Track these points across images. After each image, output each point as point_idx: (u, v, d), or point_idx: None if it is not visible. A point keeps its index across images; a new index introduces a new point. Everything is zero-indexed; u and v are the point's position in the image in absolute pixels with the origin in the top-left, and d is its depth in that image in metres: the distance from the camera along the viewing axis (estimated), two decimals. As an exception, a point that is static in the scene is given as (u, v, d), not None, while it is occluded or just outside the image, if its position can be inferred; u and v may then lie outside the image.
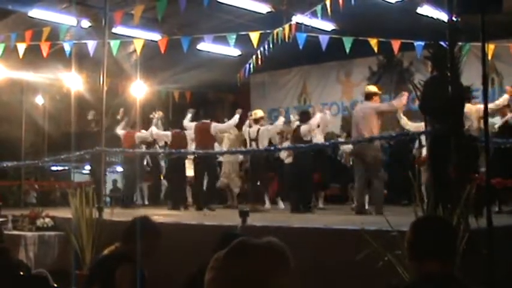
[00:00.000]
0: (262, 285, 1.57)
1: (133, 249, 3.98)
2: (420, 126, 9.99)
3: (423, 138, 9.79)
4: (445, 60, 5.97)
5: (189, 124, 11.98)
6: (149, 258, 4.05)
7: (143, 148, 13.12)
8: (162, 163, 13.85)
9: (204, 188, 11.60)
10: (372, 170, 9.31)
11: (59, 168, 16.87)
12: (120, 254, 4.04)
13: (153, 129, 12.58)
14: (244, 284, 1.56)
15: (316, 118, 10.58)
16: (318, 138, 10.84)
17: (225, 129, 12.16)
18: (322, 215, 9.58)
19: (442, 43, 6.02)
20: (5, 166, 11.93)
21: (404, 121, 9.98)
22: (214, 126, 11.60)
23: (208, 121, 11.66)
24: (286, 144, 11.53)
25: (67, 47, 11.52)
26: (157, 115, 12.72)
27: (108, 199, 13.73)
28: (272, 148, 11.16)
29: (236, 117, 11.70)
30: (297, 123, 10.83)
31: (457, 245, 3.01)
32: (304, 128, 10.40)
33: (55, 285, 5.08)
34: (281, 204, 11.83)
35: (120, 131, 12.69)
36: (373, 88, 10.11)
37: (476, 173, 6.44)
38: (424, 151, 10.21)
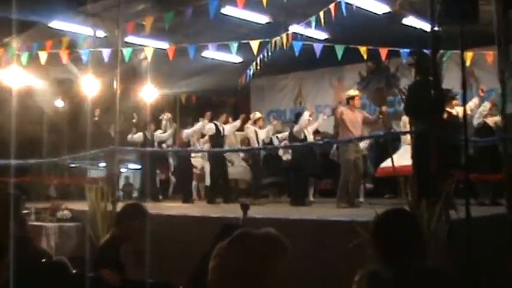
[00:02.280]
0: (262, 271, 1.59)
1: (126, 230, 4.12)
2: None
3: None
4: (427, 66, 6.00)
5: (191, 129, 12.07)
6: (140, 237, 4.15)
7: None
8: (171, 160, 13.89)
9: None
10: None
11: (77, 165, 16.85)
12: (116, 236, 4.18)
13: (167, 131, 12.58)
14: (246, 270, 1.58)
15: (304, 117, 10.66)
16: (309, 138, 10.92)
17: (228, 129, 12.26)
18: (316, 208, 9.62)
19: (425, 51, 6.04)
20: (28, 163, 11.94)
21: (403, 122, 9.95)
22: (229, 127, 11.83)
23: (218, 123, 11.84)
24: (285, 143, 11.64)
25: (84, 55, 11.53)
26: (166, 117, 12.74)
27: (121, 193, 13.76)
28: (269, 146, 11.25)
29: (238, 121, 11.89)
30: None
31: (420, 237, 2.86)
32: (295, 128, 10.57)
33: (73, 270, 5.10)
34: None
35: (134, 138, 12.63)
36: (352, 92, 10.16)
37: (458, 169, 6.44)
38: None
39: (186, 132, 12.19)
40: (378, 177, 10.57)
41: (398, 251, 2.66)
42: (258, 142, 11.61)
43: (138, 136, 13.04)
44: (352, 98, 9.83)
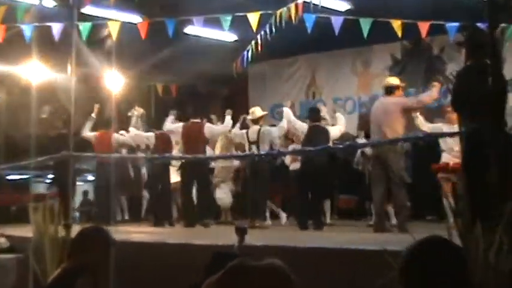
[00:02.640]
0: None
1: (84, 262, 4.10)
2: (438, 128, 10.06)
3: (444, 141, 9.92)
4: (483, 46, 5.96)
5: (172, 126, 12.01)
6: (102, 272, 4.14)
7: (122, 153, 13.16)
8: (144, 170, 13.86)
9: (195, 199, 11.69)
10: (394, 179, 9.34)
11: (18, 177, 16.84)
12: (71, 272, 4.16)
13: (132, 130, 12.59)
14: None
15: (286, 114, 10.77)
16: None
17: (220, 133, 12.23)
18: (334, 233, 9.62)
19: (480, 25, 6.00)
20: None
21: (419, 121, 10.03)
22: (208, 127, 11.66)
23: (199, 121, 11.71)
24: (292, 147, 11.60)
25: (27, 30, 11.49)
26: (136, 112, 12.72)
27: (77, 214, 13.74)
28: (275, 152, 11.24)
29: (228, 120, 11.80)
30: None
31: (467, 278, 2.79)
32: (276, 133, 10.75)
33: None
34: (283, 218, 11.91)
35: (88, 133, 12.70)
36: (394, 80, 10.15)
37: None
38: (445, 157, 10.28)
39: (215, 131, 12.12)
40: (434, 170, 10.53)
41: None
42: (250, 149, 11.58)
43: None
44: (395, 88, 9.81)
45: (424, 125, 10.13)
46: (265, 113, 12.25)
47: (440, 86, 9.75)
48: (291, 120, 11.10)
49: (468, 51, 6.67)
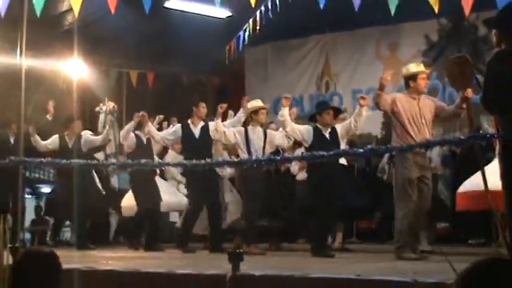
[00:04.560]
0: None
1: None
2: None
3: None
4: None
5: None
6: None
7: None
8: (114, 180, 13.87)
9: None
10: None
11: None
12: None
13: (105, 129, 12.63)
14: None
15: (283, 117, 10.79)
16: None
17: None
18: (349, 260, 9.63)
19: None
20: None
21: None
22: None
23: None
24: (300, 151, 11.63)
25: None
26: (105, 107, 12.73)
27: (27, 235, 13.74)
28: (278, 158, 11.25)
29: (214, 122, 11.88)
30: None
31: None
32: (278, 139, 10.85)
33: None
34: None
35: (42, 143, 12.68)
36: (414, 67, 10.05)
37: None
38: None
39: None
40: (457, 211, 10.56)
41: None
42: (250, 151, 11.59)
43: (52, 141, 13.05)
44: (414, 77, 9.80)
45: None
46: (265, 106, 12.22)
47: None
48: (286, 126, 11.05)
49: (499, 33, 6.64)
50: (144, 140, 12.30)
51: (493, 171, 9.27)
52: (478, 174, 8.60)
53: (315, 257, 10.01)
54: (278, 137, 11.53)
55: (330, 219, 10.73)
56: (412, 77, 9.74)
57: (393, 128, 9.75)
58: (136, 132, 12.26)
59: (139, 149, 12.21)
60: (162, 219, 13.33)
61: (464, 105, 9.32)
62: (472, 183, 9.41)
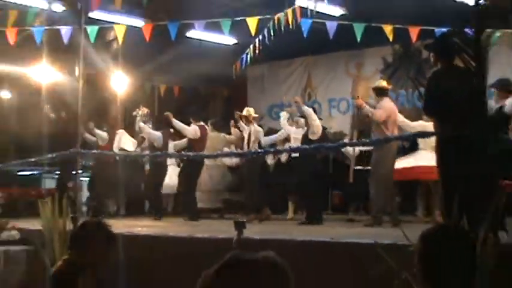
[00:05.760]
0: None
1: (85, 254, 4.07)
2: (422, 126, 9.96)
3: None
4: (452, 50, 5.96)
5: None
6: (102, 265, 4.14)
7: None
8: (147, 167, 13.83)
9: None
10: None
11: (28, 172, 16.80)
12: (72, 262, 4.12)
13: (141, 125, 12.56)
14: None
15: (282, 121, 10.82)
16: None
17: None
18: (332, 227, 9.60)
19: (467, 30, 5.96)
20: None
21: (401, 121, 9.93)
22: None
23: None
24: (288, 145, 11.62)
25: (37, 33, 11.48)
26: (141, 112, 12.69)
27: (84, 208, 13.71)
28: (272, 150, 11.25)
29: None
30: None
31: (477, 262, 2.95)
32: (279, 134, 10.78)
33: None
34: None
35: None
36: (382, 83, 10.13)
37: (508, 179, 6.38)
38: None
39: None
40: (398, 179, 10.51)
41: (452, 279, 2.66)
42: (249, 146, 11.57)
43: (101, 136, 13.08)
44: (384, 90, 9.81)
45: (408, 124, 10.05)
46: (257, 115, 12.31)
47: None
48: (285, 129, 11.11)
49: (436, 55, 6.62)
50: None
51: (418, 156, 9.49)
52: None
53: (304, 224, 9.98)
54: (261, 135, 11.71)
55: (318, 195, 10.73)
56: (383, 90, 9.81)
57: (374, 127, 9.68)
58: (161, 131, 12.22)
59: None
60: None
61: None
62: (402, 163, 9.93)
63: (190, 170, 11.81)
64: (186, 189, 11.86)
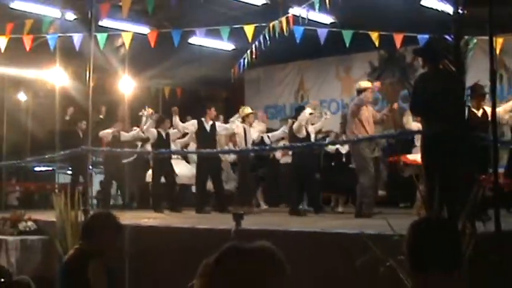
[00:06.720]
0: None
1: (95, 244, 4.10)
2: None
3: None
4: (437, 55, 5.97)
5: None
6: (110, 253, 4.15)
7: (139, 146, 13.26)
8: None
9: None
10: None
11: (43, 168, 16.80)
12: (84, 251, 4.14)
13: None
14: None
15: (305, 113, 10.67)
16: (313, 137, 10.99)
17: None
18: (322, 218, 9.59)
19: (447, 37, 5.98)
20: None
21: (407, 119, 9.92)
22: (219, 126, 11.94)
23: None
24: (282, 143, 11.62)
25: (51, 40, 11.47)
26: (146, 112, 12.67)
27: (95, 201, 13.71)
28: (267, 147, 11.25)
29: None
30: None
31: (462, 252, 2.96)
32: (295, 125, 10.61)
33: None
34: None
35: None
36: (364, 84, 10.04)
37: (485, 174, 6.40)
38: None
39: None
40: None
41: (439, 267, 2.68)
42: (246, 143, 11.57)
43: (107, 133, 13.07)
44: (364, 90, 9.76)
45: (412, 124, 10.02)
46: (253, 111, 12.30)
47: (397, 110, 9.81)
48: (302, 120, 11.02)
49: (424, 59, 6.65)
50: (164, 134, 12.16)
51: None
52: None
53: (293, 216, 9.99)
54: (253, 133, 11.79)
55: (314, 188, 10.75)
56: (363, 90, 9.72)
57: (354, 125, 9.65)
58: (159, 129, 12.15)
59: (160, 140, 12.08)
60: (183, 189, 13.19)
61: (388, 114, 9.51)
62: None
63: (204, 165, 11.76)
64: (198, 184, 11.89)
